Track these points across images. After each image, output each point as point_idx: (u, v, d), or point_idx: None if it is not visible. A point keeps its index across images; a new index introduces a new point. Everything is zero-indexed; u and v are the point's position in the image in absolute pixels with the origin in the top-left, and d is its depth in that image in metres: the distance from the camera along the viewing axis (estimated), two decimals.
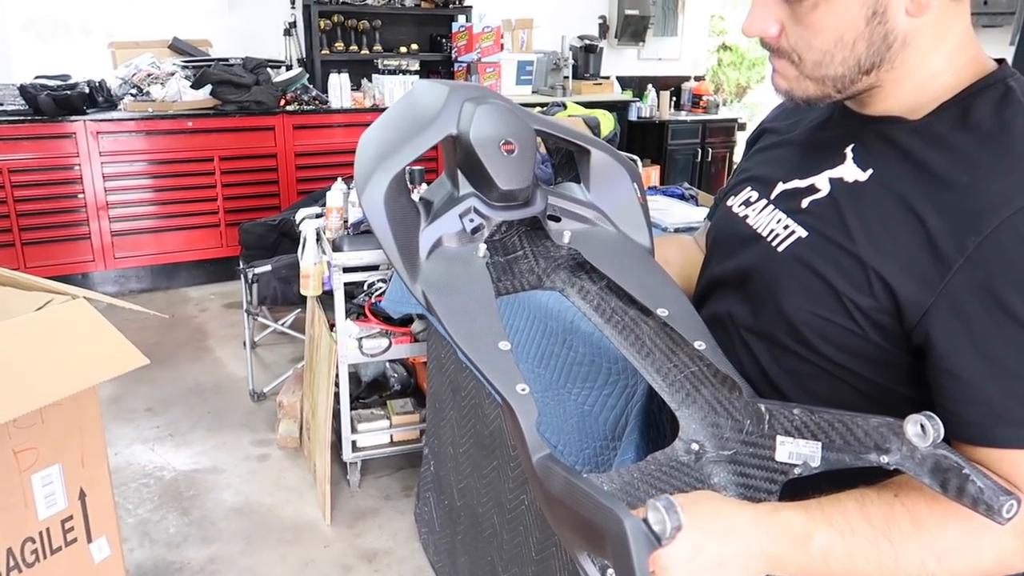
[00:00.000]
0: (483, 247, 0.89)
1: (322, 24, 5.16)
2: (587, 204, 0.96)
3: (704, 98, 6.73)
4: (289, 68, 5.18)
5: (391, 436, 2.76)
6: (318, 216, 2.86)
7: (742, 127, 6.70)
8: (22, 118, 4.24)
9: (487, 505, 1.88)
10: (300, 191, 4.92)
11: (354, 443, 2.69)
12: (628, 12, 6.28)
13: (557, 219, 0.93)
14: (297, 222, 2.89)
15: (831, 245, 0.80)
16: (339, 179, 2.91)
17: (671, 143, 6.23)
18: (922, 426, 0.67)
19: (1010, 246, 0.69)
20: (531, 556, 1.66)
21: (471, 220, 0.88)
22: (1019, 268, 0.68)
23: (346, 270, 2.49)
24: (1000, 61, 0.82)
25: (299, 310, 3.92)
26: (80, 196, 4.41)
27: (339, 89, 5.00)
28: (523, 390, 0.77)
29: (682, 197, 3.05)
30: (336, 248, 2.52)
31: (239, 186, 4.80)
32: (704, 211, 2.76)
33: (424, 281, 0.85)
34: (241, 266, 3.75)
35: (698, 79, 6.96)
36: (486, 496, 1.89)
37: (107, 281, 4.66)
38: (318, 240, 2.73)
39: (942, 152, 0.76)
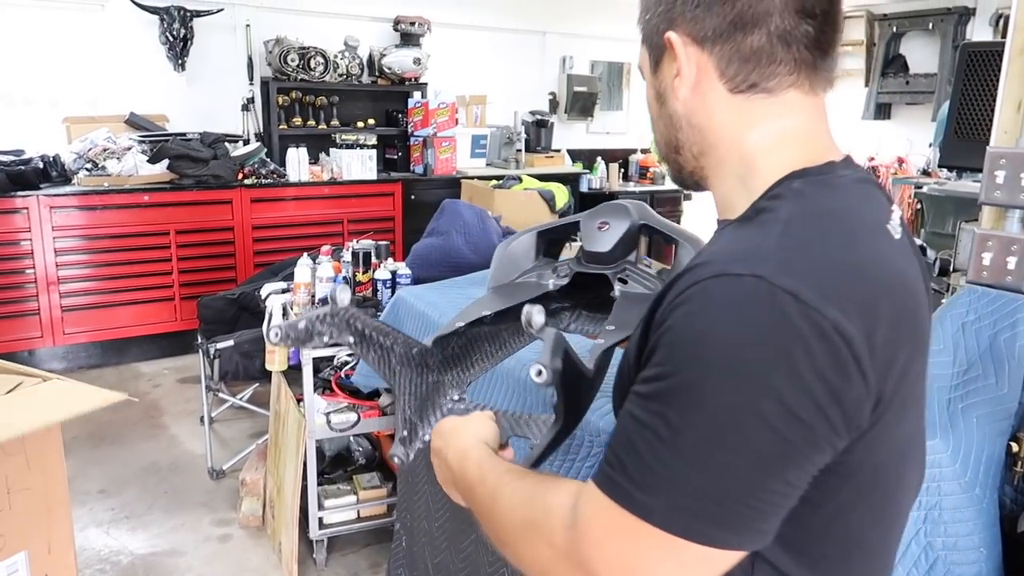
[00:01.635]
0: (551, 282, 1.30)
1: (280, 100, 5.25)
2: (657, 278, 1.25)
3: (651, 170, 7.00)
4: (247, 143, 5.23)
5: (358, 512, 2.73)
6: (284, 291, 2.88)
7: (688, 197, 6.96)
8: None
9: None
10: (257, 264, 4.92)
11: (321, 520, 2.66)
12: (577, 89, 6.55)
13: (625, 281, 1.26)
14: (263, 297, 2.91)
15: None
16: (305, 254, 2.95)
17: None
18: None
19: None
20: None
21: (560, 269, 1.32)
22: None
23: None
24: (846, 158, 0.79)
25: (258, 384, 3.90)
26: (29, 272, 4.33)
27: (297, 163, 5.06)
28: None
29: None
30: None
31: (195, 259, 4.78)
32: None
33: (495, 285, 1.35)
34: (200, 340, 3.70)
35: (644, 151, 7.24)
36: (464, 571, 1.89)
37: (55, 357, 4.54)
38: (284, 315, 2.75)
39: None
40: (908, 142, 6.42)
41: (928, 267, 1.28)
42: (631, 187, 6.76)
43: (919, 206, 5.70)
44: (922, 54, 6.31)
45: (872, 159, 6.55)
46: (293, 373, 2.87)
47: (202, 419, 3.91)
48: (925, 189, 5.12)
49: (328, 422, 2.57)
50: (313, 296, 2.71)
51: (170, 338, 4.82)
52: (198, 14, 5.00)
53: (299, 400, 2.64)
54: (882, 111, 6.49)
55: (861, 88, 6.56)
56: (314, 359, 2.58)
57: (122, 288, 4.61)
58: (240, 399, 3.80)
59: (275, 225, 5.01)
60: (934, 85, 6.08)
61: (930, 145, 5.89)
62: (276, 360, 2.82)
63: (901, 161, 6.33)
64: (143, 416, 3.98)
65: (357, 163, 5.25)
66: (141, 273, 4.65)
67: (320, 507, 2.66)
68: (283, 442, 2.69)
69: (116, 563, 2.71)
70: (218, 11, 5.08)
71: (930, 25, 6.11)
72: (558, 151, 6.53)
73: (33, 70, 4.81)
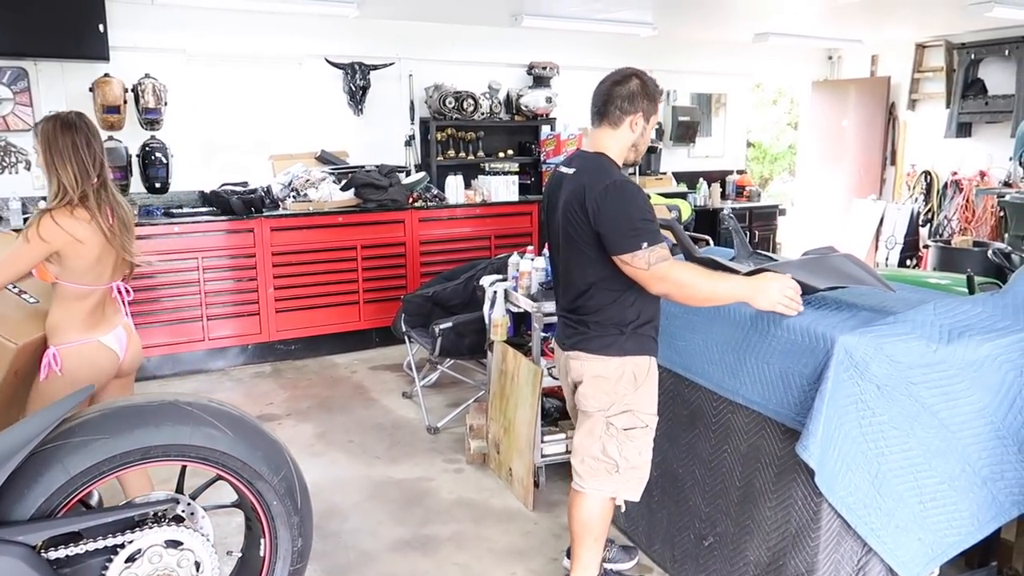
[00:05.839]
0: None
1: (439, 136, 6.24)
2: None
3: (747, 188, 7.77)
4: (409, 173, 6.21)
5: (566, 446, 3.56)
6: (503, 280, 3.78)
7: (783, 212, 7.70)
8: (214, 217, 5.25)
9: (688, 464, 2.70)
10: (423, 273, 5.86)
11: (541, 451, 3.50)
12: (681, 118, 7.40)
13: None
14: (486, 286, 3.80)
15: None
16: (515, 253, 3.84)
17: (722, 227, 7.20)
18: None
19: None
20: (735, 484, 2.47)
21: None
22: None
23: (546, 315, 3.37)
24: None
25: (450, 363, 4.81)
26: (252, 281, 5.36)
27: (455, 188, 6.03)
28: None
29: None
30: (535, 299, 3.41)
31: (375, 269, 5.76)
32: None
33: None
34: (404, 329, 4.64)
35: (740, 172, 8.02)
36: (686, 458, 2.71)
37: (271, 352, 5.54)
38: (507, 298, 3.64)
39: None
40: (988, 157, 7.02)
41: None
42: (730, 203, 7.53)
43: (1002, 214, 6.33)
44: (999, 77, 6.93)
45: (955, 173, 7.18)
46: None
47: (404, 394, 4.86)
48: (1008, 198, 5.75)
49: (549, 374, 3.43)
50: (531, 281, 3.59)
51: (356, 335, 5.78)
52: (374, 67, 6.04)
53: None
54: (963, 130, 7.12)
55: (943, 109, 7.21)
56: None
57: (319, 293, 5.60)
58: (430, 376, 4.70)
59: (437, 240, 5.96)
60: (1012, 105, 6.70)
61: (1010, 159, 6.52)
62: (499, 332, 3.71)
63: (983, 174, 6.96)
64: (355, 394, 4.92)
65: (503, 187, 6.18)
66: (334, 281, 5.63)
67: (541, 441, 3.50)
68: (512, 392, 3.55)
69: (392, 483, 3.61)
70: (389, 65, 6.12)
71: (1007, 52, 6.74)
72: (665, 174, 7.36)
73: (248, 119, 5.91)
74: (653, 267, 2.18)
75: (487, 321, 3.82)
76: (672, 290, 2.22)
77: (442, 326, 4.13)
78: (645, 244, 2.18)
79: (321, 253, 5.57)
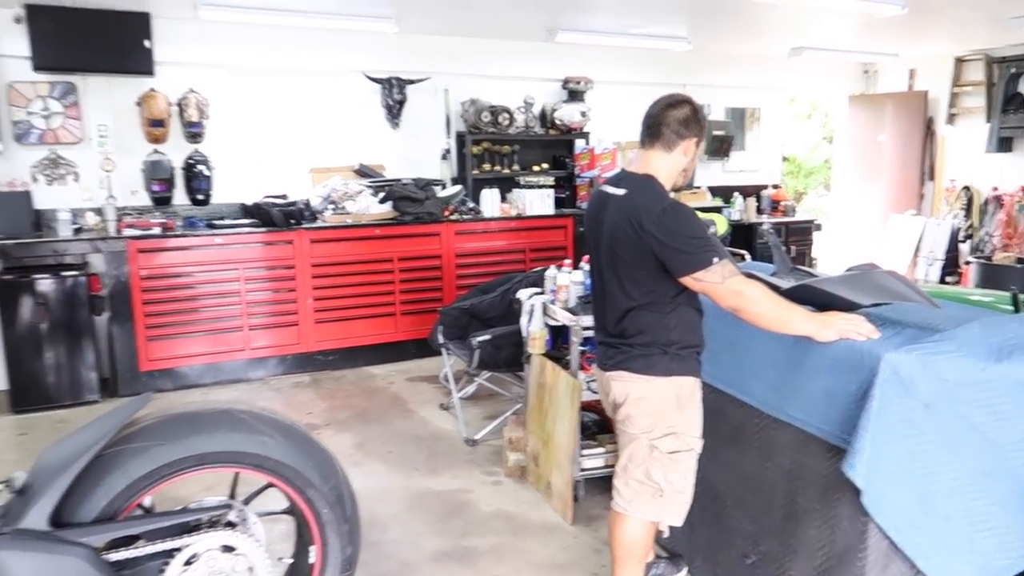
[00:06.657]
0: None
1: (475, 150, 6.30)
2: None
3: (782, 203, 7.72)
4: (444, 186, 6.28)
5: (605, 460, 3.57)
6: (540, 293, 3.80)
7: (818, 227, 7.64)
8: (255, 229, 5.35)
9: (730, 480, 2.69)
10: (459, 286, 5.91)
11: (580, 465, 3.51)
12: (715, 132, 7.38)
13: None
14: (524, 299, 3.83)
15: None
16: (552, 266, 3.86)
17: (758, 242, 7.17)
18: None
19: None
20: (779, 502, 2.46)
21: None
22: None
23: (584, 328, 3.39)
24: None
25: (487, 376, 4.84)
26: (291, 292, 5.45)
27: (491, 201, 6.08)
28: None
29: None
30: (574, 313, 3.43)
31: (412, 282, 5.82)
32: None
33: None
34: (442, 341, 4.68)
35: (775, 187, 7.97)
36: (728, 474, 2.70)
37: (309, 362, 5.61)
38: (544, 312, 3.67)
39: None
40: None
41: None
42: (765, 218, 7.49)
43: None
44: None
45: (996, 188, 7.07)
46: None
47: (442, 405, 4.90)
48: None
49: (588, 387, 3.44)
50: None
51: (392, 346, 5.84)
52: (411, 82, 6.13)
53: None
54: (1004, 144, 7.01)
55: (983, 124, 7.12)
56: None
57: (357, 305, 5.67)
58: (467, 388, 4.73)
59: (473, 253, 6.01)
60: None
61: None
62: (537, 345, 3.74)
63: None
64: (392, 405, 4.96)
65: (538, 201, 6.22)
66: (371, 292, 5.71)
67: (580, 455, 3.51)
68: (550, 405, 3.57)
69: (431, 495, 3.64)
70: (426, 79, 6.20)
71: None
72: (700, 188, 7.35)
73: (288, 132, 6.03)
74: (728, 280, 2.20)
75: (524, 334, 3.84)
76: (743, 304, 2.21)
77: (480, 339, 4.16)
78: (716, 259, 2.19)
79: (359, 265, 5.65)
